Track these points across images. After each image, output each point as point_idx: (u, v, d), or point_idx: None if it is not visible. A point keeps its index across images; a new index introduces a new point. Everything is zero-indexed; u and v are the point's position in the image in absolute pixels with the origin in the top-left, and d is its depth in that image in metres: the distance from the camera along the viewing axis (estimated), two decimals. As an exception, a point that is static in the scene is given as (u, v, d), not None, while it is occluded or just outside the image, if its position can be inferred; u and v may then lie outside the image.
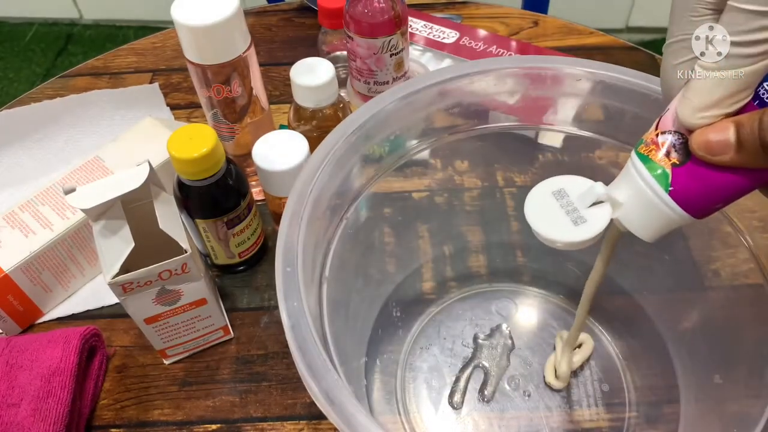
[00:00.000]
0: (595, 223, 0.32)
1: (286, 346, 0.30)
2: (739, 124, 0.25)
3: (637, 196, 0.30)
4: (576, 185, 0.33)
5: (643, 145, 0.29)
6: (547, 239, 0.32)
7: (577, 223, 0.32)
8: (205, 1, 0.44)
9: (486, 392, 0.45)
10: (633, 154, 0.30)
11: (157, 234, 0.40)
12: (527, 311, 0.50)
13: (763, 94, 0.26)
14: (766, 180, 0.27)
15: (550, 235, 0.32)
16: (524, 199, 0.33)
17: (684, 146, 0.28)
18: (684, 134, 0.28)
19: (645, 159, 0.29)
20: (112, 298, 0.51)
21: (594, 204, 0.32)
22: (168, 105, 0.66)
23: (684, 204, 0.28)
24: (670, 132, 0.28)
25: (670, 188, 0.28)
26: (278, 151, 0.47)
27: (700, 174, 0.27)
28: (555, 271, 0.51)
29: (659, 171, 0.28)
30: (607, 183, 0.32)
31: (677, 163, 0.28)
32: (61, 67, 1.64)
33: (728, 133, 0.25)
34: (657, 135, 0.29)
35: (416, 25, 0.67)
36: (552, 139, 0.45)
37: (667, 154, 0.28)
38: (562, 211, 0.33)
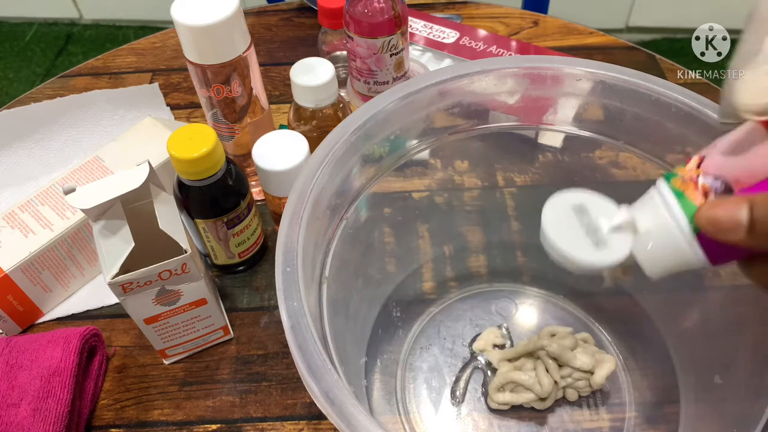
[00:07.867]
0: (616, 250, 0.29)
1: (286, 346, 0.30)
2: (754, 204, 0.23)
3: (660, 230, 0.28)
4: (596, 203, 0.31)
5: (679, 179, 0.28)
6: (566, 258, 0.30)
7: (598, 245, 0.30)
8: (205, 1, 0.44)
9: (486, 392, 0.45)
10: (663, 185, 0.28)
11: (157, 234, 0.40)
12: (527, 311, 0.50)
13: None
14: None
15: (570, 253, 0.30)
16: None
17: (725, 194, 0.26)
18: (728, 183, 0.26)
19: (679, 195, 0.27)
20: (112, 298, 0.51)
21: (615, 228, 0.30)
22: (168, 105, 0.66)
23: (708, 249, 0.27)
24: (713, 176, 0.27)
25: (700, 231, 0.27)
26: (278, 151, 0.47)
27: None
28: (555, 271, 0.50)
29: (693, 211, 0.27)
30: (617, 198, 0.31)
31: None
32: (61, 67, 1.64)
33: (740, 212, 0.23)
34: (698, 175, 0.27)
35: (416, 25, 0.68)
36: (552, 139, 0.45)
37: (705, 197, 0.27)
38: (583, 231, 0.30)
